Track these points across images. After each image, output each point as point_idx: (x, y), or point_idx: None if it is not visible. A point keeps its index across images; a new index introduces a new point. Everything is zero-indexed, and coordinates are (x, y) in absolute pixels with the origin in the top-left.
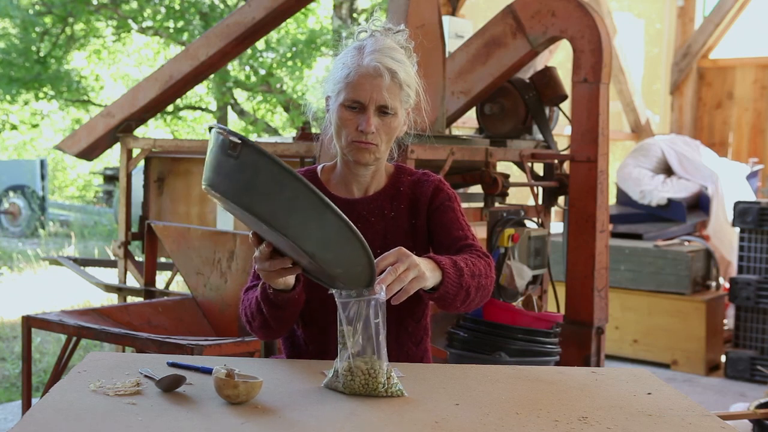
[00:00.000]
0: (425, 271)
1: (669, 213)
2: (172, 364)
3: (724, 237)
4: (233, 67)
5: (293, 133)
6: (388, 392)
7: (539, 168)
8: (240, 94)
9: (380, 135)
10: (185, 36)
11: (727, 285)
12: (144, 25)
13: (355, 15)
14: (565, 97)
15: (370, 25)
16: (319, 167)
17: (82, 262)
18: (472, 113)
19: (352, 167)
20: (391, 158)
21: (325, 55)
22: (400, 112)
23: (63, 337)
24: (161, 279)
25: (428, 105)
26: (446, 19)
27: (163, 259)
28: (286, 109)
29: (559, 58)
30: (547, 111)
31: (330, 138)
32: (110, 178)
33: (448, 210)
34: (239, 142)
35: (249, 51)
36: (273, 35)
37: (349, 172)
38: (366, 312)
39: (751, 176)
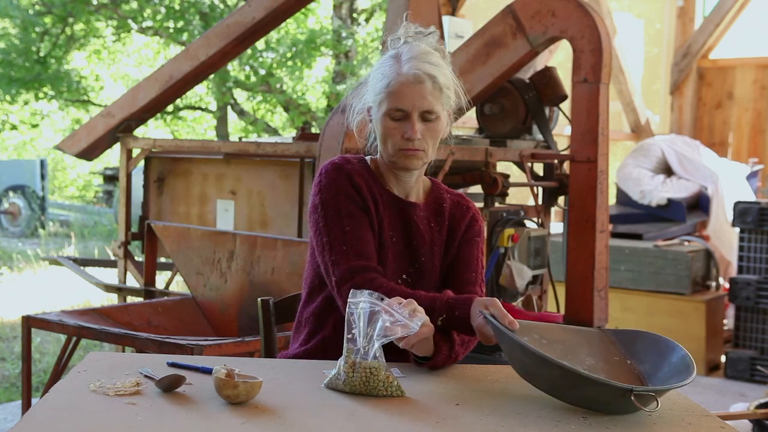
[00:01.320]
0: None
1: (669, 213)
2: (172, 364)
3: (724, 237)
4: (233, 67)
5: (293, 133)
6: (388, 391)
7: (539, 168)
8: (240, 94)
9: (426, 140)
10: (185, 36)
11: (727, 285)
12: (144, 25)
13: (355, 15)
14: (565, 97)
15: (402, 32)
16: (368, 158)
17: (82, 262)
18: (472, 113)
19: (397, 172)
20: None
21: (324, 55)
22: (442, 115)
23: (63, 337)
24: (161, 279)
25: (469, 104)
26: (446, 19)
27: (163, 259)
28: (286, 109)
29: (559, 58)
30: (547, 111)
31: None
32: (110, 178)
33: (474, 246)
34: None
35: (249, 51)
36: (273, 35)
37: (393, 175)
38: (378, 319)
39: (751, 176)
